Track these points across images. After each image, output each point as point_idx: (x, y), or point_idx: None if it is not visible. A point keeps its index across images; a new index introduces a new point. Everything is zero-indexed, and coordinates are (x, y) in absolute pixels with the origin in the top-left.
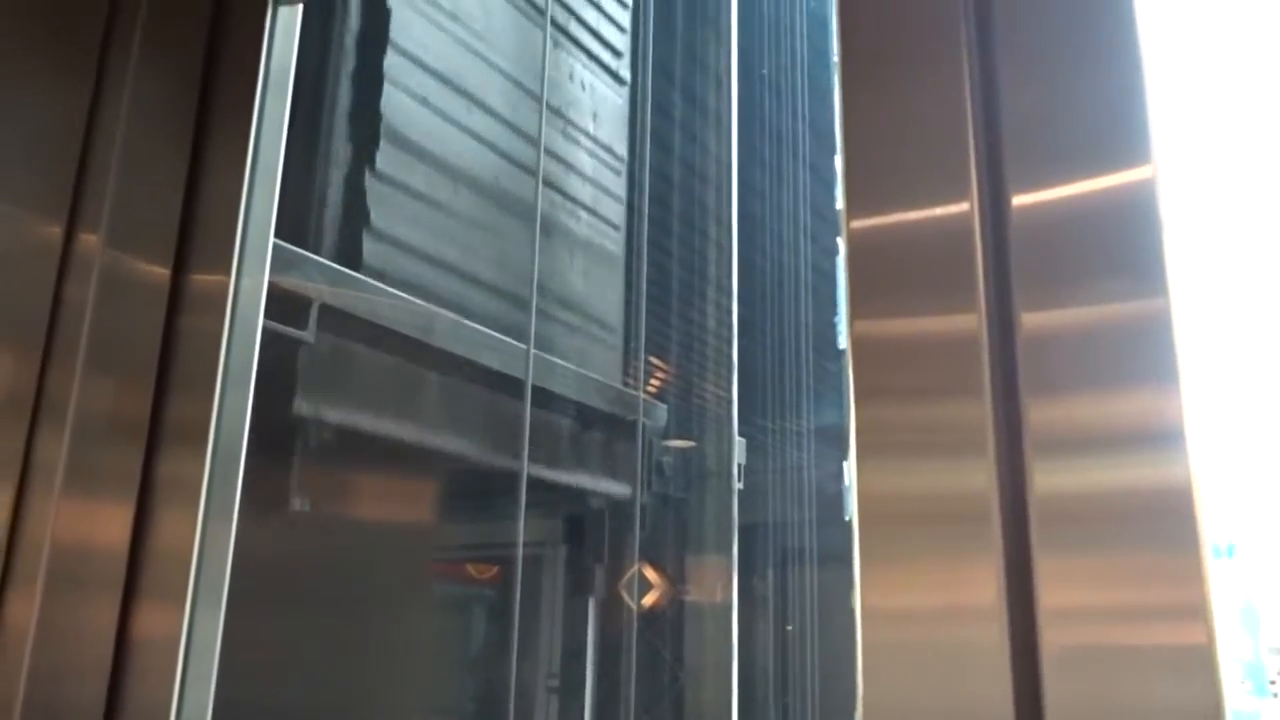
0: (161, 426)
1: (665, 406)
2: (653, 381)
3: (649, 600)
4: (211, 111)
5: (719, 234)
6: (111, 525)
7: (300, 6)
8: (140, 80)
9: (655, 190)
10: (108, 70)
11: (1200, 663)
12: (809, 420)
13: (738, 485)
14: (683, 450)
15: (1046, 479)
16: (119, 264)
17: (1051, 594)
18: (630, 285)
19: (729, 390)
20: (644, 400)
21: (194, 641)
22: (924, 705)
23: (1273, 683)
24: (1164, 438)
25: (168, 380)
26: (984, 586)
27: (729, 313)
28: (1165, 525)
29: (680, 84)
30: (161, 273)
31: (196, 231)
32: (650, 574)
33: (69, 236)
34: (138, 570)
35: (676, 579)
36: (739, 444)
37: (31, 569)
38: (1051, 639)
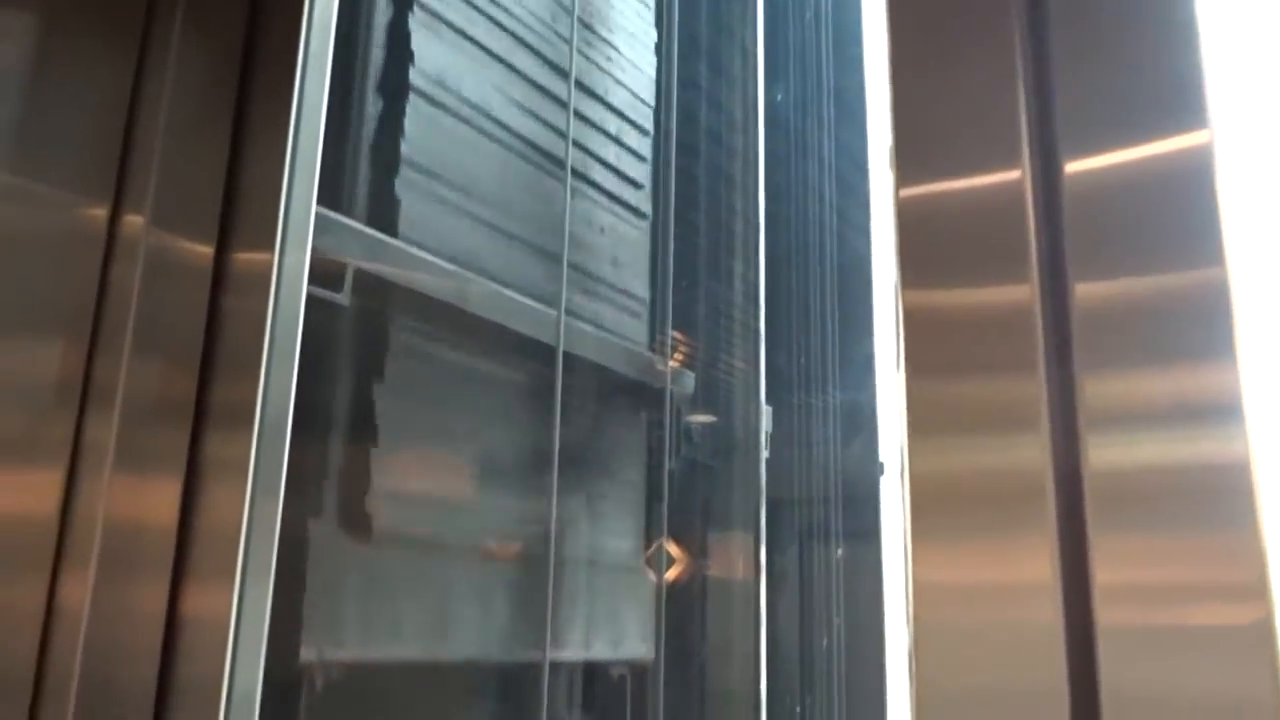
0: (207, 406)
1: (693, 374)
2: (677, 355)
3: (673, 574)
4: (252, 87)
5: (745, 205)
6: (160, 505)
7: None
8: (182, 58)
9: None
10: (150, 49)
11: (1258, 642)
12: (835, 393)
13: (765, 454)
14: (710, 416)
15: (1101, 455)
16: (164, 245)
17: (1107, 571)
18: (656, 257)
19: (756, 360)
20: (671, 369)
21: (243, 619)
22: (977, 683)
23: None
24: (1220, 412)
25: (213, 359)
26: (1038, 564)
27: (755, 286)
28: (1222, 502)
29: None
30: (205, 252)
31: (239, 209)
32: (674, 548)
33: (114, 218)
34: (186, 549)
35: (702, 549)
36: (766, 412)
37: (84, 549)
38: (1107, 617)
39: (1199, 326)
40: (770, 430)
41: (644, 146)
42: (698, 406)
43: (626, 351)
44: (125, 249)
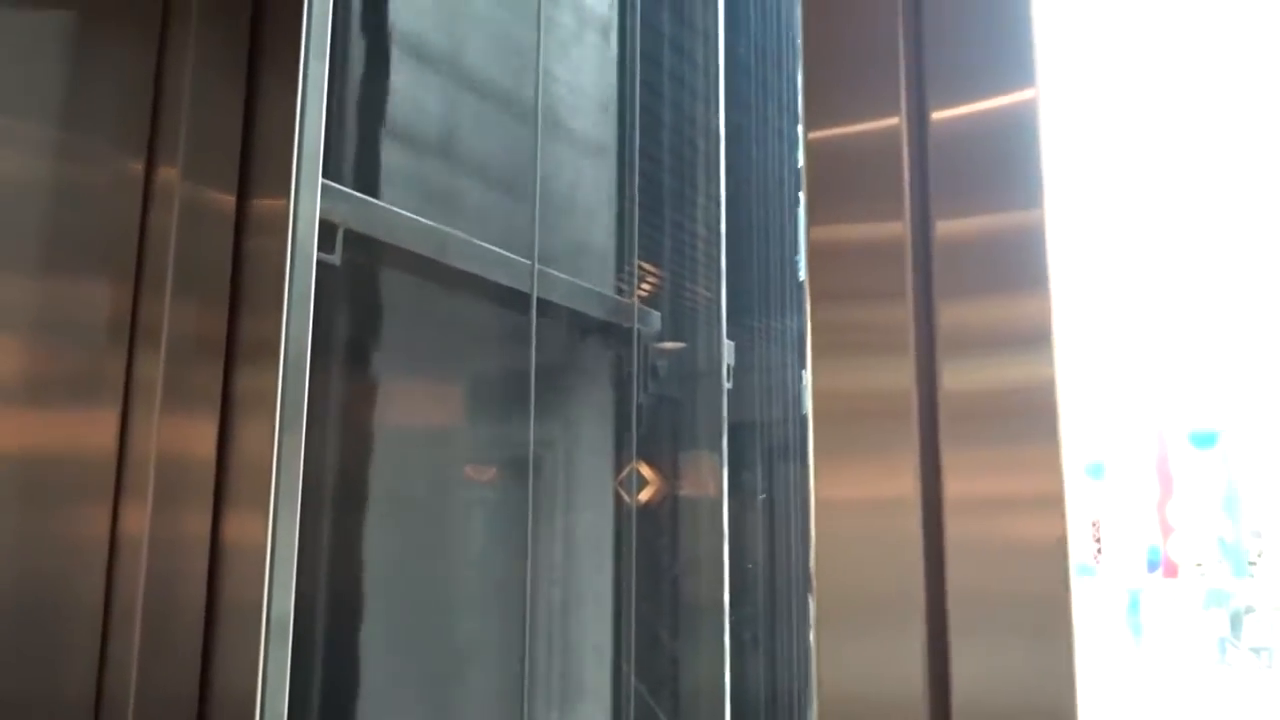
0: (237, 344)
1: (658, 313)
2: (644, 286)
3: (645, 496)
4: (262, 54)
5: (708, 146)
6: (202, 439)
7: None
8: (201, 21)
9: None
10: (170, 28)
11: (1054, 552)
12: (793, 322)
13: (727, 385)
14: (675, 353)
15: (953, 377)
16: (194, 194)
17: (954, 486)
18: (622, 209)
19: (718, 296)
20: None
21: (277, 545)
22: (861, 588)
23: (1252, 564)
24: (1036, 338)
25: (239, 300)
26: (904, 480)
27: (718, 221)
28: (1033, 421)
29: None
30: (228, 200)
31: (256, 159)
32: (646, 471)
33: (149, 171)
34: (225, 480)
35: (671, 475)
36: (728, 347)
37: (141, 483)
38: (952, 528)
39: (1021, 261)
40: (732, 363)
41: (608, 99)
42: (664, 344)
43: (597, 296)
44: (161, 198)
